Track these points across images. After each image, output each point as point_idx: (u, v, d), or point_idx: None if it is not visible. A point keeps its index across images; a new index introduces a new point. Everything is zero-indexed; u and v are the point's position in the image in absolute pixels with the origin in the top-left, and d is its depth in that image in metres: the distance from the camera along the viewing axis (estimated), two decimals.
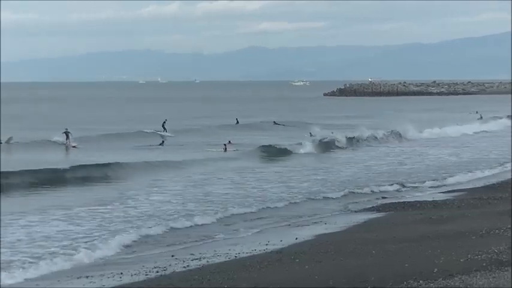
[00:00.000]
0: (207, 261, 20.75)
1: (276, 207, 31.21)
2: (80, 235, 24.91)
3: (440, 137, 70.59)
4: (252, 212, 29.95)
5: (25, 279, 19.66)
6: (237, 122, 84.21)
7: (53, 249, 22.76)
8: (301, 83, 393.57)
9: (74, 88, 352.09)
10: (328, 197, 33.86)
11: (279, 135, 69.22)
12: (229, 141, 59.82)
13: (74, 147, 58.75)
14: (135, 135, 69.14)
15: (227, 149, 56.07)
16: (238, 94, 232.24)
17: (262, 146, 56.77)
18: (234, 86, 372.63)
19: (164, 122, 72.98)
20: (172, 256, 21.78)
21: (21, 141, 59.75)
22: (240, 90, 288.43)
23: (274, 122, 69.40)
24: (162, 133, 71.20)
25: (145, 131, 72.24)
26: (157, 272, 19.72)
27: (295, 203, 32.33)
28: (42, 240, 24.09)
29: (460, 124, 79.79)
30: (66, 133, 60.18)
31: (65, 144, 59.60)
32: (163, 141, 65.18)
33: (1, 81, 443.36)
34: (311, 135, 66.06)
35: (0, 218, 27.64)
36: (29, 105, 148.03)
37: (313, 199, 33.40)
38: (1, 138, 58.53)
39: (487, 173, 43.09)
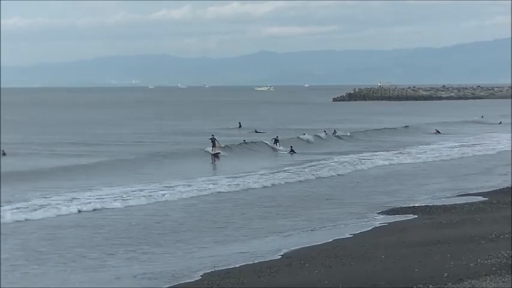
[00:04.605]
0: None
1: None
2: None
3: None
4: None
5: None
6: (240, 126, 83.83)
7: None
8: (265, 88, 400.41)
9: (113, 92, 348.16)
10: None
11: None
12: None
13: (217, 154, 53.90)
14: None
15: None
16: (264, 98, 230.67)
17: None
18: (246, 91, 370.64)
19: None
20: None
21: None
22: (255, 95, 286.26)
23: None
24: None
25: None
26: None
27: None
28: None
29: None
30: (212, 140, 54.39)
31: (211, 152, 54.20)
32: None
33: (9, 86, 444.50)
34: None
35: (0, 222, 27.80)
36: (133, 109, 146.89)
37: None
38: None
39: None
